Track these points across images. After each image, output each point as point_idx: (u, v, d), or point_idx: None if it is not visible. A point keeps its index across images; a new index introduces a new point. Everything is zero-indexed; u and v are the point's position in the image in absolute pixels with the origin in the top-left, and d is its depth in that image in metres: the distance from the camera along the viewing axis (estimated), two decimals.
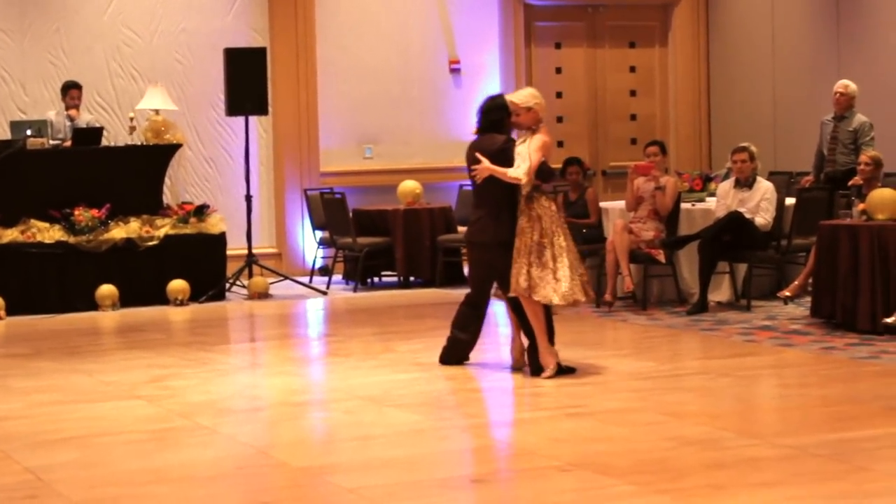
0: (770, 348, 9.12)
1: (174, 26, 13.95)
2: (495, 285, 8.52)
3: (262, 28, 14.25)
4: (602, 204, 12.15)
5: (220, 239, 12.53)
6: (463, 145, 8.90)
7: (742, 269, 11.16)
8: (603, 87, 15.80)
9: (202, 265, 12.34)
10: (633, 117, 15.94)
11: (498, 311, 9.82)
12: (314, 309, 12.22)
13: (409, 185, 13.48)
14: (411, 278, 13.27)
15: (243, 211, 12.89)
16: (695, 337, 9.78)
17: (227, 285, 12.66)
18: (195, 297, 12.19)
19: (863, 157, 10.84)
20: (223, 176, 14.10)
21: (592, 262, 11.71)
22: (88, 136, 12.42)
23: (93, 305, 11.88)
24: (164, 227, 12.32)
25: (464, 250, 11.69)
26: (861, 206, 9.81)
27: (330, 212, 13.18)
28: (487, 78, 14.91)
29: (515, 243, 8.10)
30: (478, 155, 8.20)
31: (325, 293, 12.81)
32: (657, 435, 6.51)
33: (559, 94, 15.56)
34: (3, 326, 11.19)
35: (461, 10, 14.96)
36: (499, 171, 8.14)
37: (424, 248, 13.09)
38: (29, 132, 12.22)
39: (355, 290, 13.00)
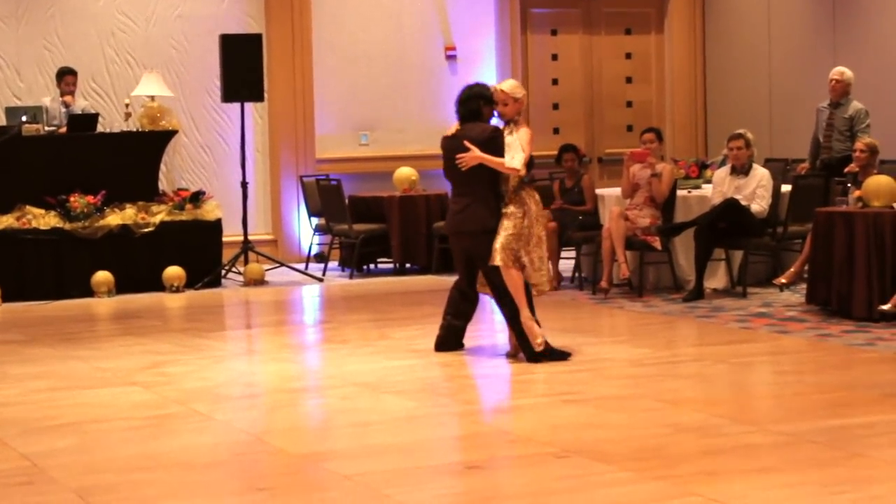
0: (766, 335, 9.13)
1: (170, 12, 13.92)
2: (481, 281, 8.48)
3: (258, 14, 14.23)
4: (598, 191, 12.14)
5: (216, 225, 12.51)
6: None
7: (738, 256, 11.17)
8: (599, 73, 15.78)
9: (198, 252, 12.33)
10: (630, 104, 15.93)
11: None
12: (310, 296, 12.21)
13: (405, 172, 13.47)
14: (407, 265, 13.27)
15: (239, 197, 12.88)
16: (691, 324, 9.79)
17: (223, 272, 12.65)
18: (191, 283, 12.19)
19: (858, 144, 10.83)
20: (219, 162, 14.08)
21: (589, 249, 11.73)
22: (84, 123, 12.40)
23: (88, 292, 11.87)
24: (159, 214, 12.31)
25: None
26: (857, 193, 9.81)
27: (326, 198, 13.17)
28: (483, 65, 14.90)
29: (503, 223, 8.10)
30: (466, 143, 8.19)
31: (320, 280, 12.80)
32: (653, 421, 6.52)
33: (555, 81, 15.55)
34: None
35: None
36: (494, 160, 8.14)
37: (420, 235, 13.10)
38: (24, 118, 12.19)
39: (351, 276, 13.00)
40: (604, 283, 10.96)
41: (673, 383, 7.62)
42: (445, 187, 13.90)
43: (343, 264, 13.44)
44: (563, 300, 10.98)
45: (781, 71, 14.83)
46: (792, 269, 10.59)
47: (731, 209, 10.76)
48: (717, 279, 11.27)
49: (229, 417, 6.99)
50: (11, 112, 12.54)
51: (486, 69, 14.75)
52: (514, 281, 8.11)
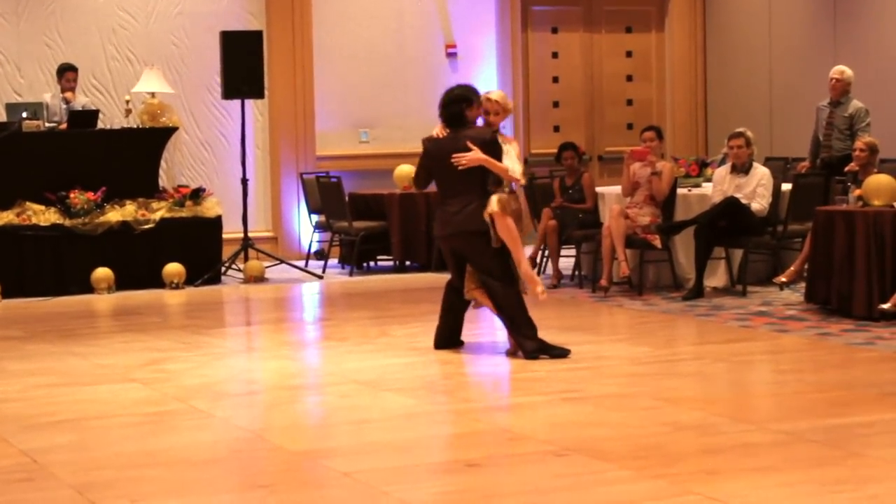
0: (765, 334, 9.13)
1: (170, 9, 13.92)
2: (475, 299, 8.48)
3: (259, 11, 14.23)
4: (598, 189, 12.14)
5: (216, 222, 12.51)
6: None
7: (738, 254, 11.16)
8: (599, 71, 15.78)
9: (198, 249, 12.33)
10: (630, 102, 15.93)
11: None
12: (310, 293, 12.21)
13: (406, 170, 13.45)
14: (407, 262, 13.27)
15: (239, 194, 12.88)
16: (690, 322, 9.79)
17: (223, 269, 12.65)
18: (191, 280, 12.19)
19: (858, 143, 10.83)
20: (219, 159, 14.08)
21: (588, 248, 11.73)
22: (84, 119, 12.40)
23: (88, 288, 11.87)
24: (159, 211, 12.31)
25: None
26: (857, 192, 9.81)
27: (326, 196, 13.17)
28: (484, 62, 14.90)
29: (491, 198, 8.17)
30: (469, 143, 8.20)
31: (320, 277, 12.80)
32: (652, 420, 6.52)
33: (555, 79, 15.55)
34: None
35: None
36: (498, 164, 8.17)
37: (420, 233, 13.08)
38: (24, 114, 12.19)
39: (351, 274, 13.00)
40: (604, 282, 10.96)
41: (672, 382, 7.62)
42: None
43: (343, 261, 13.44)
44: (562, 298, 10.98)
45: (782, 69, 14.83)
46: (792, 268, 10.59)
47: (731, 208, 10.76)
48: (716, 278, 11.26)
49: (229, 414, 6.99)
50: (12, 108, 12.55)
51: (487, 67, 14.75)
52: (509, 230, 8.12)
